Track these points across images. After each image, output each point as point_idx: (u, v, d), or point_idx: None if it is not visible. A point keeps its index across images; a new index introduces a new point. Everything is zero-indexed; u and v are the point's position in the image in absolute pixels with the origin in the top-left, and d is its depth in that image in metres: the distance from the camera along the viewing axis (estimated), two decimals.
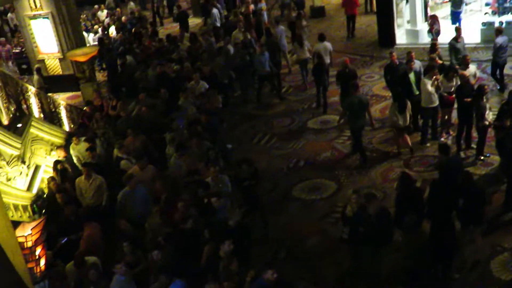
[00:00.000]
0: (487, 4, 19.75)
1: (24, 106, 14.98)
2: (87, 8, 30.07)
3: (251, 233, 10.61)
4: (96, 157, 12.68)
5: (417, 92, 13.47)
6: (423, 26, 19.83)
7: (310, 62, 17.32)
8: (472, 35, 18.88)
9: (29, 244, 7.93)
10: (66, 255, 9.40)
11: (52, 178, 12.16)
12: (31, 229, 7.99)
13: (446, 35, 18.24)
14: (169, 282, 8.16)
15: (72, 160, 13.28)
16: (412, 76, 13.60)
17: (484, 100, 12.19)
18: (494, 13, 19.20)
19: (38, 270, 8.03)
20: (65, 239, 9.98)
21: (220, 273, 8.16)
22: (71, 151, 13.37)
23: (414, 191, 9.77)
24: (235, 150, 14.42)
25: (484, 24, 18.69)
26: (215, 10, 23.47)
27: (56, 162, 12.82)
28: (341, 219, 10.12)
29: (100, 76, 22.01)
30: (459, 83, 12.91)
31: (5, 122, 13.57)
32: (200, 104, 14.38)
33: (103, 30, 24.30)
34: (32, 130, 13.80)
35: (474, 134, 12.78)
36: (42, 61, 20.45)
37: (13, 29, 27.69)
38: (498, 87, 15.30)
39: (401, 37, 20.11)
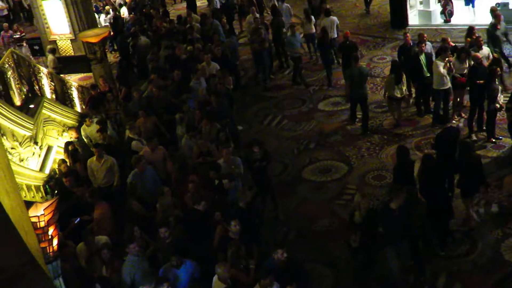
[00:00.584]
0: None
1: (36, 87, 15.02)
2: None
3: (261, 214, 10.71)
4: (107, 138, 12.73)
5: (428, 74, 13.40)
6: (436, 7, 19.65)
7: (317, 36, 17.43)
8: (486, 17, 18.66)
9: (42, 224, 7.97)
10: (78, 236, 9.49)
11: (62, 161, 12.25)
12: (44, 210, 8.03)
13: (459, 16, 18.06)
14: (180, 263, 8.22)
15: (84, 141, 13.35)
16: (423, 58, 13.51)
17: (497, 82, 12.11)
18: None
19: (51, 250, 8.07)
20: (78, 219, 10.05)
21: (228, 258, 8.20)
22: (82, 132, 13.43)
23: (410, 164, 10.12)
24: (245, 131, 14.47)
25: (498, 5, 18.44)
26: None
27: (67, 143, 12.90)
28: (349, 226, 9.75)
29: (112, 57, 22.04)
30: (472, 64, 12.83)
31: (18, 103, 13.61)
32: (211, 85, 14.38)
33: (114, 11, 24.24)
34: (44, 111, 13.88)
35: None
36: (54, 42, 20.50)
37: (28, 9, 27.68)
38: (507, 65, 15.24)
39: (413, 18, 19.95)
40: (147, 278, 8.26)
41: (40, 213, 7.98)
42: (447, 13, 19.20)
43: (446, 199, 9.71)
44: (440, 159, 10.17)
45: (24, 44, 22.24)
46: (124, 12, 24.40)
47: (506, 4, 18.37)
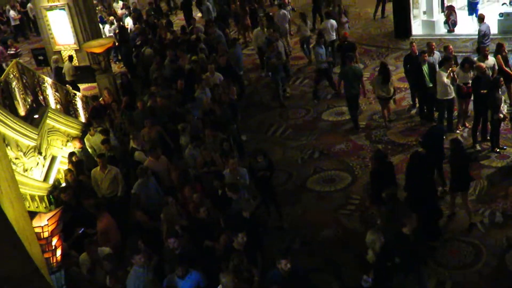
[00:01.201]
0: None
1: (41, 97, 15.08)
2: None
3: (266, 224, 10.69)
4: (112, 149, 12.76)
5: (431, 84, 13.43)
6: (439, 17, 19.69)
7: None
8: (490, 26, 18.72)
9: (46, 234, 8.00)
10: (82, 246, 9.49)
11: (69, 170, 12.27)
12: (48, 220, 8.06)
13: (462, 26, 18.10)
14: (185, 273, 8.20)
15: (88, 151, 13.37)
16: (425, 67, 13.54)
17: (500, 92, 12.10)
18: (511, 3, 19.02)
19: (55, 261, 8.10)
20: (82, 229, 10.05)
21: (230, 269, 8.15)
22: (86, 142, 13.46)
23: (387, 166, 10.35)
24: (250, 141, 14.48)
25: (501, 14, 18.49)
26: (204, 7, 23.32)
27: (71, 154, 12.93)
28: (361, 266, 9.07)
29: (116, 67, 22.11)
30: (476, 74, 12.83)
31: (22, 113, 13.66)
32: (215, 95, 14.42)
33: (118, 21, 24.31)
34: (48, 121, 13.91)
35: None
36: (59, 52, 20.59)
37: (33, 19, 27.82)
38: None
39: (417, 28, 19.99)
40: None
41: (44, 223, 8.00)
42: (450, 23, 19.23)
43: (432, 196, 9.93)
44: (427, 155, 10.31)
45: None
46: (128, 22, 24.47)
47: (509, 14, 18.39)
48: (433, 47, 14.23)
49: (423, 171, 9.81)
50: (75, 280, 8.66)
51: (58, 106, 15.83)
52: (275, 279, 7.76)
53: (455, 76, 12.86)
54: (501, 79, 12.35)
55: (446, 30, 19.44)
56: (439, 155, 11.07)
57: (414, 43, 14.81)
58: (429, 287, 8.90)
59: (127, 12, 26.00)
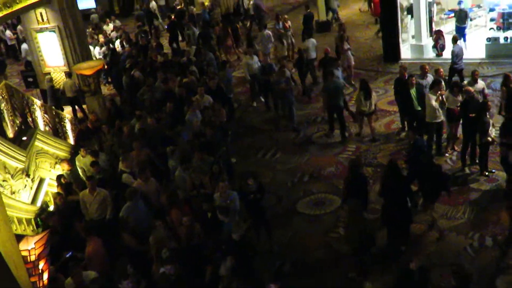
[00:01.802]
0: (492, 20, 19.78)
1: (30, 119, 15.01)
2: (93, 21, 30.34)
3: (256, 246, 10.62)
4: (101, 171, 12.69)
5: (419, 108, 13.52)
6: (428, 41, 19.86)
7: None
8: (477, 51, 18.92)
9: (32, 258, 7.93)
10: (69, 270, 9.38)
11: (58, 194, 12.20)
12: (35, 243, 7.99)
13: (451, 50, 18.23)
14: None
15: (77, 173, 13.30)
16: (413, 91, 13.65)
17: (488, 116, 12.19)
18: (499, 28, 19.23)
19: (41, 285, 8.02)
20: (70, 253, 9.95)
21: None
22: (77, 163, 13.42)
23: (360, 177, 10.91)
24: (239, 163, 14.46)
25: (489, 39, 18.71)
26: (190, 31, 23.46)
27: (59, 176, 12.85)
28: None
29: (106, 89, 22.09)
30: (464, 98, 12.92)
31: (11, 135, 13.59)
32: (205, 118, 14.42)
33: (107, 44, 24.24)
34: (37, 143, 13.83)
35: None
36: (48, 74, 20.55)
37: (22, 40, 27.82)
38: None
39: (406, 52, 20.14)
40: None
41: (31, 246, 7.92)
42: (439, 47, 19.40)
43: (405, 203, 10.31)
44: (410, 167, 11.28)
45: None
46: (119, 45, 24.50)
47: (496, 39, 18.61)
48: (426, 70, 14.34)
49: (396, 178, 10.36)
50: None
51: (47, 128, 15.76)
52: None
53: (444, 99, 12.94)
54: (489, 102, 12.46)
55: (434, 54, 19.61)
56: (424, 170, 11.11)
57: (404, 67, 14.87)
58: None
59: (117, 35, 26.07)
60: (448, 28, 20.53)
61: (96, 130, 15.22)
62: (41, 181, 13.47)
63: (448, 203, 11.67)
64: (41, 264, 8.04)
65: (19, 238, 8.34)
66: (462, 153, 12.90)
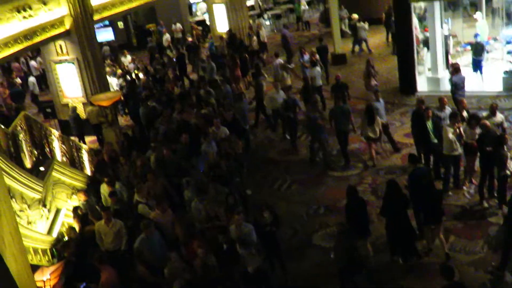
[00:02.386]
0: (509, 52, 19.74)
1: (47, 150, 15.12)
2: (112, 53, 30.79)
3: (270, 279, 10.53)
4: (119, 202, 12.75)
5: (435, 140, 13.47)
6: (444, 74, 19.84)
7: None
8: (494, 83, 18.87)
9: None
10: None
11: (71, 228, 12.24)
12: (50, 274, 8.00)
13: (467, 83, 18.23)
14: None
15: (92, 203, 13.35)
16: (429, 124, 13.61)
17: (505, 149, 12.09)
18: None
19: None
20: (84, 284, 9.93)
21: None
22: (102, 190, 13.59)
23: (359, 201, 11.27)
24: (255, 195, 14.42)
25: (506, 72, 18.66)
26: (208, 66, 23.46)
27: (76, 208, 12.91)
28: None
29: (123, 120, 22.27)
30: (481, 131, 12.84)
31: (28, 165, 13.67)
32: (221, 149, 14.48)
33: (123, 76, 24.45)
34: (54, 173, 13.91)
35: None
36: (66, 105, 20.79)
37: (29, 73, 28.13)
38: None
39: (422, 85, 20.12)
40: None
41: (46, 277, 7.92)
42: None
43: (407, 220, 10.91)
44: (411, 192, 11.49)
45: None
46: (135, 76, 24.73)
47: None
48: (445, 102, 14.32)
49: (396, 196, 10.87)
50: None
51: (64, 159, 15.87)
52: None
53: (462, 132, 12.87)
54: (507, 136, 12.38)
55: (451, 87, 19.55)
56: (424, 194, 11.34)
57: (422, 100, 14.81)
58: None
59: (134, 66, 26.38)
60: (465, 60, 20.51)
61: (113, 161, 15.32)
62: (58, 211, 13.51)
63: (466, 237, 11.56)
64: None
65: (35, 268, 8.35)
66: (480, 187, 12.78)
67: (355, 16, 26.60)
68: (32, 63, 28.66)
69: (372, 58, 19.87)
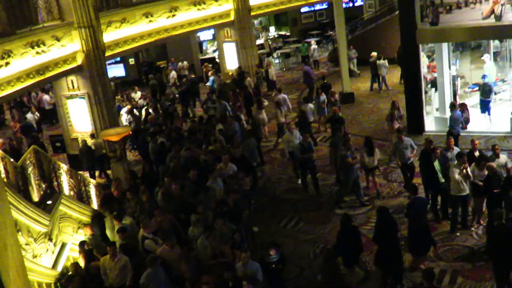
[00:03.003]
0: None
1: (55, 183, 15.19)
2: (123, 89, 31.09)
3: None
4: (128, 237, 12.74)
5: (443, 180, 13.45)
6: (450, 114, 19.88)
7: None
8: (501, 124, 18.89)
9: None
10: None
11: (76, 263, 12.22)
12: None
13: (475, 123, 18.31)
14: None
15: (98, 238, 13.34)
16: (437, 164, 13.60)
17: None
18: None
19: None
20: None
21: None
22: (107, 223, 13.68)
23: (352, 230, 11.83)
24: (261, 232, 14.37)
25: None
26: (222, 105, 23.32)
27: (82, 243, 12.90)
28: None
29: (131, 155, 22.36)
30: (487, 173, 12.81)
31: (36, 199, 13.72)
32: (228, 186, 14.49)
33: (130, 111, 24.55)
34: (61, 207, 13.93)
35: None
36: (75, 139, 20.94)
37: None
38: None
39: (430, 124, 20.17)
40: None
41: None
42: (463, 120, 19.39)
43: (397, 248, 11.36)
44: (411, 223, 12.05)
45: None
46: (144, 112, 24.86)
47: None
48: (451, 143, 14.39)
49: (387, 223, 11.44)
50: None
51: (72, 193, 15.91)
52: None
53: (469, 172, 12.84)
54: None
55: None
56: (423, 224, 12.01)
57: (430, 140, 14.82)
58: None
59: (145, 102, 26.57)
60: (472, 101, 20.58)
61: (120, 196, 15.36)
62: (63, 245, 13.50)
63: (475, 279, 11.44)
64: None
65: None
66: (487, 228, 12.68)
67: (374, 54, 26.83)
68: (45, 97, 28.94)
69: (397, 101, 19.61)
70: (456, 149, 14.20)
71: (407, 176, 15.62)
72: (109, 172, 19.59)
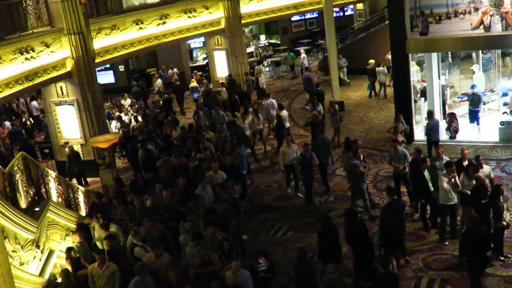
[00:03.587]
0: (505, 104, 19.93)
1: (43, 190, 15.08)
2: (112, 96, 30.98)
3: None
4: (114, 245, 12.65)
5: (432, 189, 13.50)
6: (441, 124, 19.97)
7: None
8: (490, 134, 19.00)
9: None
10: None
11: (64, 270, 12.12)
12: None
13: (464, 133, 18.35)
14: None
15: (86, 246, 13.24)
16: (426, 173, 13.64)
17: (502, 200, 12.09)
18: None
19: None
20: None
21: None
22: (96, 232, 13.56)
23: (332, 230, 12.21)
24: (250, 241, 14.32)
25: (502, 123, 18.81)
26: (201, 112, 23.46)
27: (69, 249, 12.79)
28: None
29: (120, 162, 22.27)
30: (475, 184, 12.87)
31: (24, 205, 13.61)
32: (217, 194, 14.45)
33: (119, 118, 24.43)
34: (49, 214, 13.83)
35: None
36: (64, 146, 20.82)
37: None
38: None
39: (419, 134, 20.22)
40: None
41: None
42: (452, 129, 19.51)
43: (369, 246, 11.72)
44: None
45: None
46: (133, 119, 24.77)
47: (510, 123, 18.70)
48: (441, 152, 14.46)
49: (355, 224, 12.03)
50: None
51: (60, 200, 15.81)
52: None
53: (457, 182, 12.88)
54: (502, 186, 12.44)
55: (448, 137, 19.69)
56: (399, 227, 12.36)
57: (419, 150, 14.88)
58: None
59: (135, 109, 26.47)
60: (462, 111, 20.70)
61: (108, 204, 15.29)
62: (51, 252, 13.39)
63: (463, 287, 11.43)
64: None
65: None
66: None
67: (372, 61, 26.97)
68: (33, 103, 28.82)
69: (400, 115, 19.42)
70: (446, 158, 14.25)
71: (399, 186, 15.56)
72: (97, 179, 19.49)
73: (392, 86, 24.66)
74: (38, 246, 12.67)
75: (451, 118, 19.66)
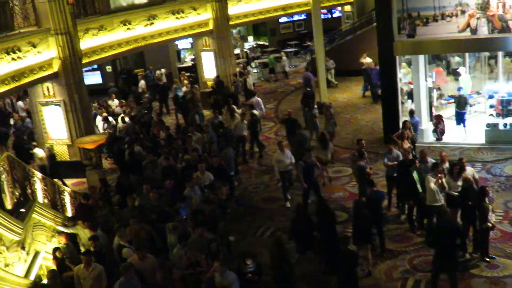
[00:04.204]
0: (491, 106, 20.06)
1: (29, 191, 14.98)
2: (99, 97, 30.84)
3: None
4: (99, 246, 12.58)
5: (421, 190, 13.55)
6: (428, 126, 20.10)
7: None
8: (476, 136, 19.11)
9: None
10: None
11: (49, 271, 12.05)
12: None
13: (450, 135, 18.42)
14: None
15: (72, 247, 13.16)
16: (415, 174, 13.69)
17: (487, 201, 12.17)
18: (498, 115, 19.46)
19: None
20: None
21: None
22: (81, 233, 13.52)
23: (307, 220, 12.86)
24: (238, 242, 14.30)
25: (488, 125, 18.93)
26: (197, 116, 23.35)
27: (55, 249, 12.72)
28: None
29: (107, 163, 22.16)
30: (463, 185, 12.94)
31: (9, 206, 13.51)
32: (205, 195, 14.42)
33: (105, 119, 24.31)
34: (34, 215, 13.73)
35: None
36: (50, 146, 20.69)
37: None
38: None
39: None
40: None
41: None
42: (439, 131, 19.62)
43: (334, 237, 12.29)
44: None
45: None
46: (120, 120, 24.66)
47: (496, 125, 18.83)
48: (426, 155, 14.53)
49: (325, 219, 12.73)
50: None
51: (46, 201, 15.70)
52: None
53: (444, 183, 12.94)
54: (487, 188, 12.53)
55: (434, 138, 19.80)
56: (378, 217, 13.15)
57: (408, 151, 14.97)
58: None
59: (122, 110, 26.34)
60: (448, 113, 20.81)
61: (94, 205, 15.22)
62: (36, 254, 13.28)
63: None
64: None
65: None
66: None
67: (366, 61, 27.03)
68: (20, 103, 28.64)
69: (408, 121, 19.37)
70: (431, 161, 14.31)
71: (391, 188, 15.49)
72: (84, 180, 19.38)
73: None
74: (23, 248, 12.56)
75: (438, 120, 19.78)
